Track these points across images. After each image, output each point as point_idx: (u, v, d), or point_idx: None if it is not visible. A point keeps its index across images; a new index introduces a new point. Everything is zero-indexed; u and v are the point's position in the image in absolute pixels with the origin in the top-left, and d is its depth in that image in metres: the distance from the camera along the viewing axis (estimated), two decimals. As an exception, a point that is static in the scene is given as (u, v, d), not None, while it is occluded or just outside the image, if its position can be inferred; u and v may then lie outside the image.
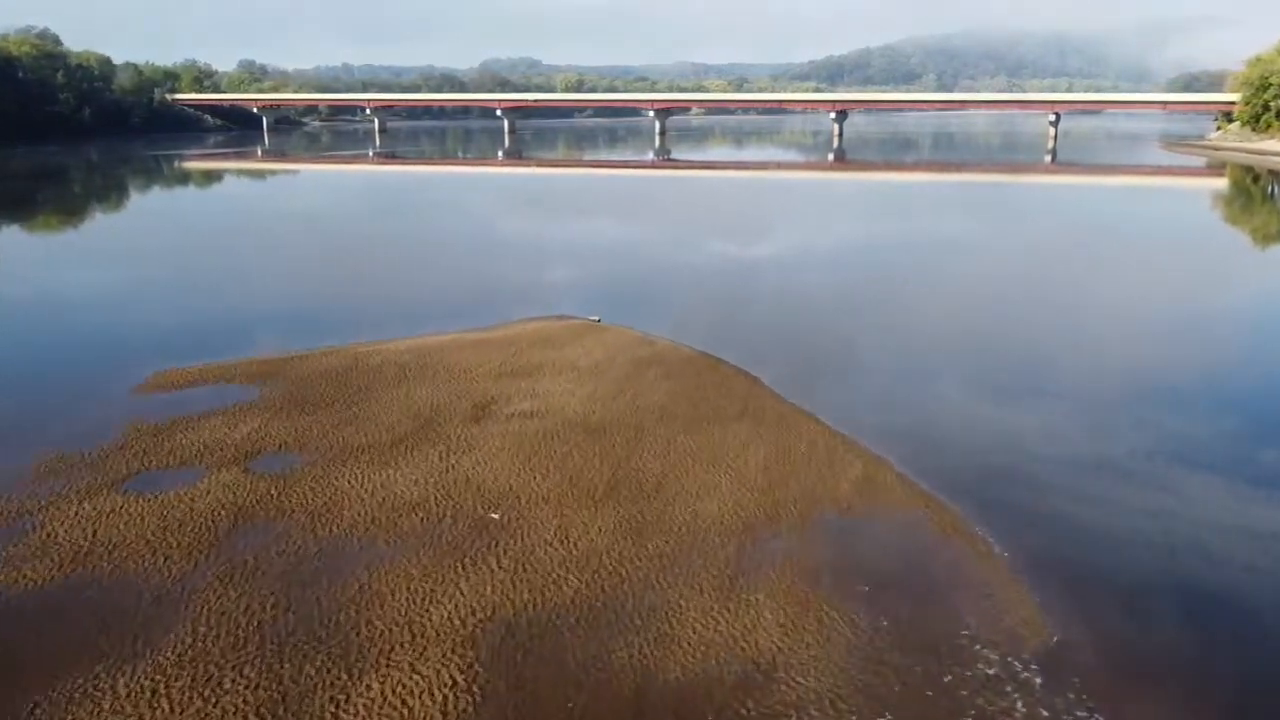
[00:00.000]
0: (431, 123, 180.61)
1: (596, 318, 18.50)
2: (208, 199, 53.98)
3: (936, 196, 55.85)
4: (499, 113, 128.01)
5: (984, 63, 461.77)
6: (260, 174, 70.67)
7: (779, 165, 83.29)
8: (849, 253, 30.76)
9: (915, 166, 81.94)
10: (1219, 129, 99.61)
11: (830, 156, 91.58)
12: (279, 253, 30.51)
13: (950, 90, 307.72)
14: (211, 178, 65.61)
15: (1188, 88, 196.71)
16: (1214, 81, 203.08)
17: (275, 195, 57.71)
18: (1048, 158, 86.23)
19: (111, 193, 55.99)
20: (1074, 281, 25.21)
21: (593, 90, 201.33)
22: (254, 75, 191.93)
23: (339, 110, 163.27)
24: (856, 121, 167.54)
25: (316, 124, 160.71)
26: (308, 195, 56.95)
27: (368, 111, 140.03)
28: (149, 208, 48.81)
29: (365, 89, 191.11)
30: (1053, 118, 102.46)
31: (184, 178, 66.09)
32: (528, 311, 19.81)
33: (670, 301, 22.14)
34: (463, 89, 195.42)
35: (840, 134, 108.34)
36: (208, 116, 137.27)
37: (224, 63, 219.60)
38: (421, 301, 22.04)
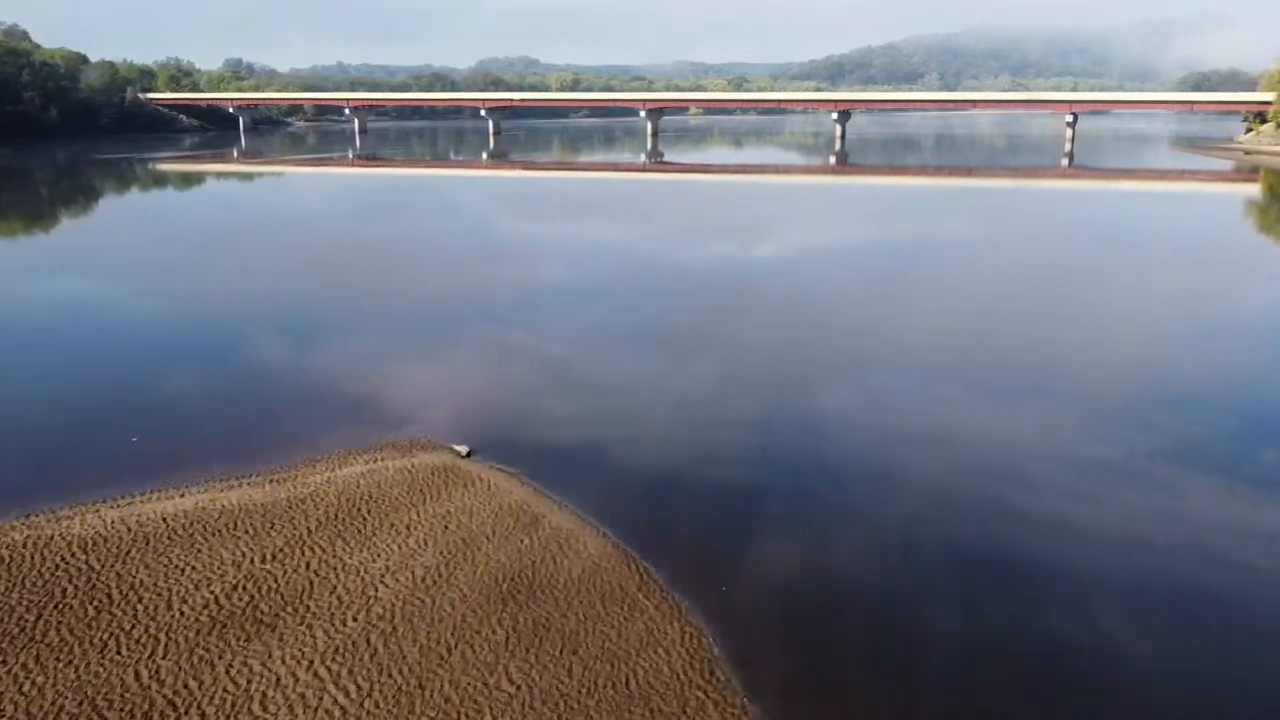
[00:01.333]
0: (422, 123, 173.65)
1: (465, 450, 11.48)
2: (129, 214, 46.95)
3: (955, 206, 48.88)
4: (483, 113, 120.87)
5: (987, 62, 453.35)
6: (217, 178, 63.92)
7: (776, 169, 76.26)
8: (867, 300, 23.67)
9: (925, 171, 74.91)
10: (1249, 130, 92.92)
11: (832, 159, 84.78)
12: (93, 306, 23.28)
13: (953, 90, 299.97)
14: (160, 183, 59.30)
15: (1198, 87, 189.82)
16: (1224, 80, 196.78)
17: (201, 206, 50.49)
18: (1064, 160, 79.88)
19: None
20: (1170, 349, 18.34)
21: (588, 90, 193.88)
22: (236, 74, 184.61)
23: (326, 110, 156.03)
24: (858, 122, 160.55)
25: (301, 124, 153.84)
26: (237, 204, 49.84)
27: (347, 112, 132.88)
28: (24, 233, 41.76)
29: (354, 88, 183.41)
30: (1070, 118, 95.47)
31: (120, 185, 59.08)
32: (375, 415, 13.02)
33: (595, 400, 14.91)
34: (454, 88, 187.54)
35: (843, 135, 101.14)
36: (183, 116, 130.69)
37: (214, 62, 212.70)
38: (225, 395, 14.82)
